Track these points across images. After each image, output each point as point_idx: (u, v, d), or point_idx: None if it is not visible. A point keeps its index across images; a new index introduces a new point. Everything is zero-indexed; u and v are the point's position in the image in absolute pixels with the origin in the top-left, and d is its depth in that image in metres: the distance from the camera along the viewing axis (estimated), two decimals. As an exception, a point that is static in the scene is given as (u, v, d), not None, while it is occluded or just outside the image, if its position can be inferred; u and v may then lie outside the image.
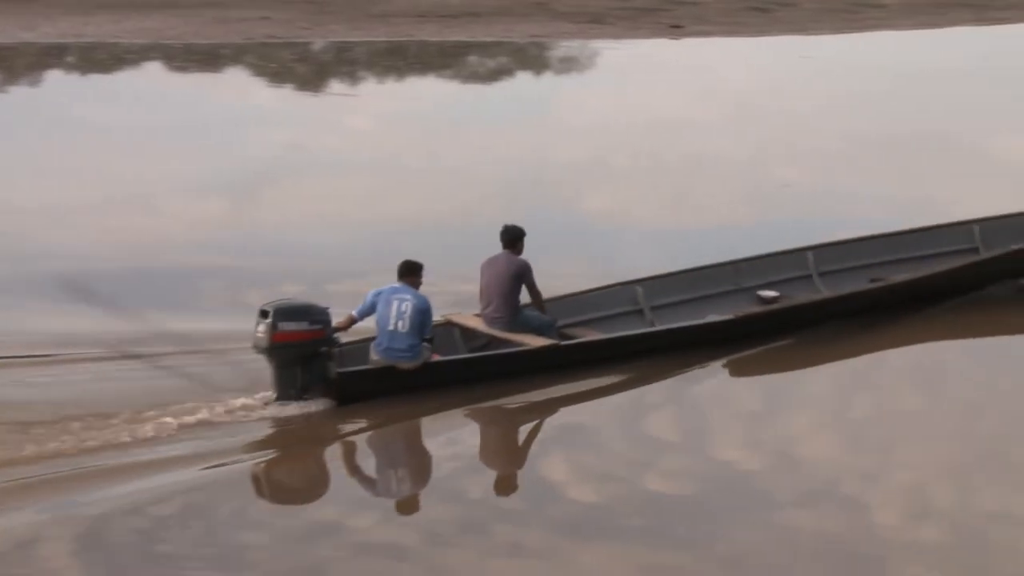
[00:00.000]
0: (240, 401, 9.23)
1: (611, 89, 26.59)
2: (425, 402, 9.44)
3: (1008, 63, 28.48)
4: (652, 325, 10.91)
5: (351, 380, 9.42)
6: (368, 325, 9.71)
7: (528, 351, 9.95)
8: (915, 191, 16.64)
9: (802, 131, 21.37)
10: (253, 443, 8.74)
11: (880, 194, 16.25)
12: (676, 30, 33.03)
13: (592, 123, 22.56)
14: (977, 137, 20.45)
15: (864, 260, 12.04)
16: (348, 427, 9.21)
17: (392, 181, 17.86)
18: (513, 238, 10.32)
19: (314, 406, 9.27)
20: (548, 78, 28.88)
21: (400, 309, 9.42)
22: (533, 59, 31.44)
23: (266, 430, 8.97)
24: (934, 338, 11.11)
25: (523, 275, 10.20)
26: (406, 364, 9.47)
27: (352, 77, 29.15)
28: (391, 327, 9.43)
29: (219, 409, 9.05)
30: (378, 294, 9.57)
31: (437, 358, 9.71)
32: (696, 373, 10.12)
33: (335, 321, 9.49)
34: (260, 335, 9.13)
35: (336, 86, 27.88)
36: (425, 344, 9.55)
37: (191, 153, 19.48)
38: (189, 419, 8.85)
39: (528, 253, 10.26)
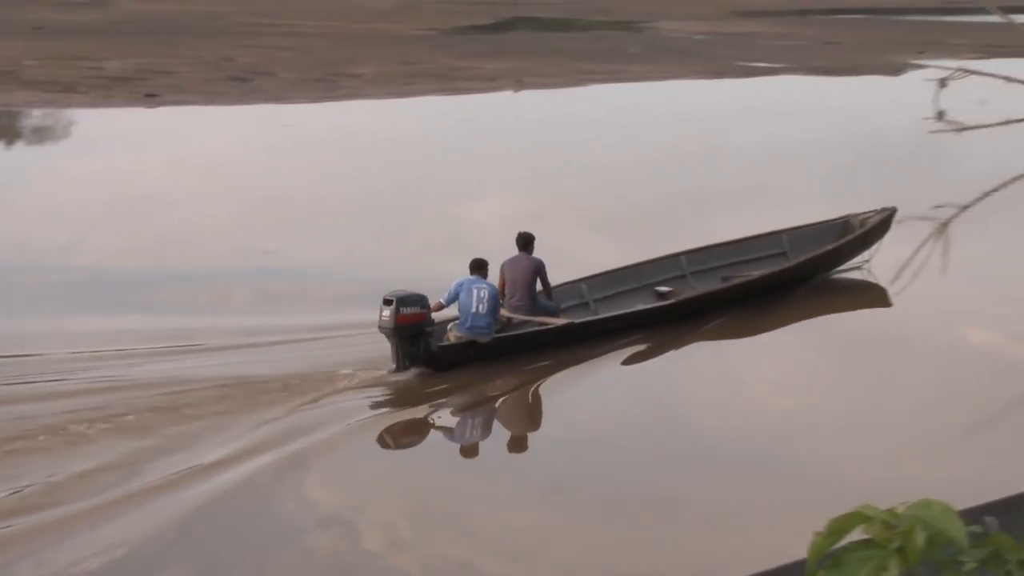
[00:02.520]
0: (374, 374, 11.86)
1: (77, 161, 25.54)
2: (492, 372, 12.18)
3: (473, 129, 30.12)
4: (596, 314, 13.64)
5: (448, 352, 12.18)
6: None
7: (554, 328, 12.77)
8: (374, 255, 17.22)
9: (285, 197, 21.47)
10: (392, 399, 11.62)
11: (346, 257, 16.80)
12: (151, 99, 32.39)
13: (43, 198, 21.47)
14: (437, 198, 21.43)
15: (717, 262, 15.29)
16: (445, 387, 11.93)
17: None
18: (527, 241, 13.10)
19: (422, 373, 11.94)
20: (19, 149, 27.51)
21: (480, 296, 12.21)
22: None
23: (398, 389, 11.78)
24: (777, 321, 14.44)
25: (539, 270, 12.97)
26: (484, 338, 12.25)
27: None
28: (474, 309, 12.19)
29: (364, 376, 11.79)
30: (460, 284, 12.33)
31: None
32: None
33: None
34: (386, 318, 11.66)
35: None
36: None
37: None
38: (359, 380, 11.72)
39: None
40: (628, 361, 12.91)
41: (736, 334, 14.04)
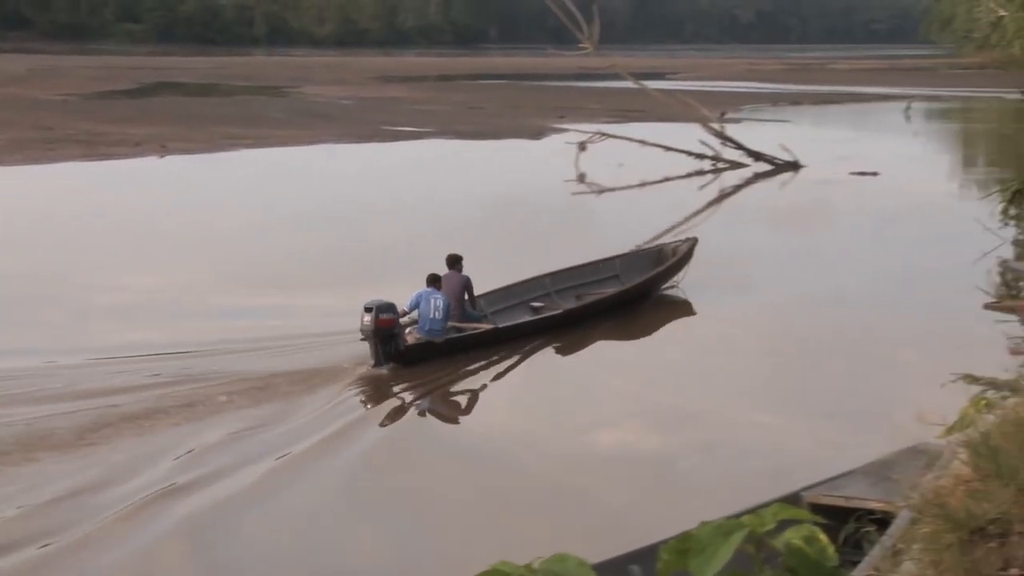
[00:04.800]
0: (361, 368, 14.24)
1: None
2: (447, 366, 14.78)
3: (110, 192, 28.98)
4: (495, 323, 16.07)
5: (414, 350, 14.70)
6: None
7: (485, 332, 15.56)
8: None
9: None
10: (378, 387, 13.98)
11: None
12: None
13: None
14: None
15: (571, 282, 17.93)
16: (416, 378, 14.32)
17: None
18: (456, 260, 15.79)
19: (393, 368, 14.34)
20: None
21: (436, 305, 14.93)
22: None
23: (380, 381, 14.15)
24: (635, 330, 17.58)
25: (468, 286, 15.76)
26: (439, 339, 14.94)
27: None
28: (431, 316, 14.90)
29: (357, 371, 14.23)
30: (419, 295, 14.98)
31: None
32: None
33: None
34: (367, 323, 14.02)
35: None
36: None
37: None
38: (356, 374, 14.20)
39: None
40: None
41: (624, 336, 17.18)
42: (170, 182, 32.17)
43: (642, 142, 35.96)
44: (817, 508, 8.65)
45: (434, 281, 15.19)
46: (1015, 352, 14.96)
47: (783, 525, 4.00)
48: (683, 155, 35.32)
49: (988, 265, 19.89)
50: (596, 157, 34.99)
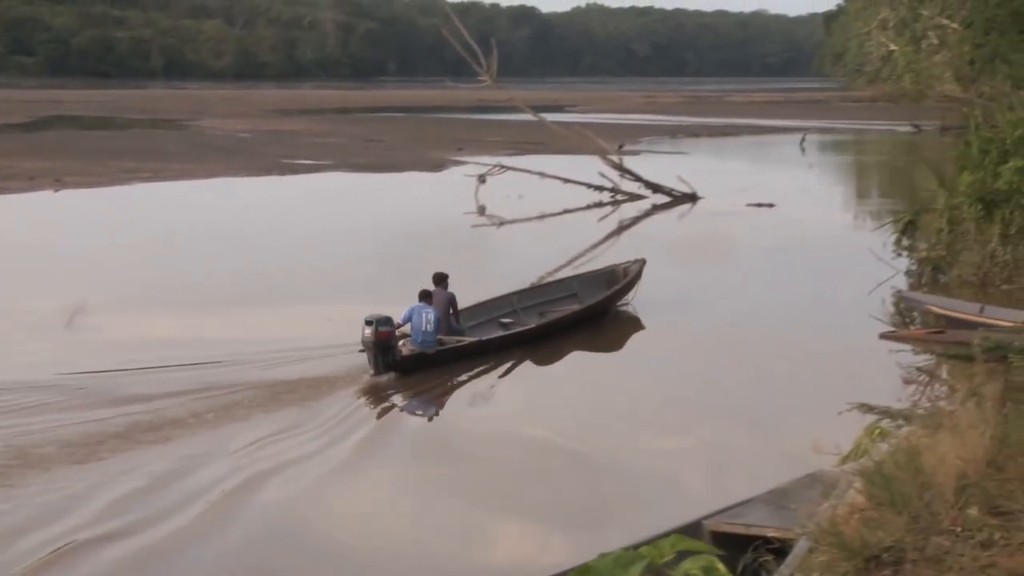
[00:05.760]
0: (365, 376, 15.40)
1: None
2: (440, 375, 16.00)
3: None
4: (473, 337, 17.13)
5: (410, 360, 15.80)
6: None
7: (471, 344, 16.64)
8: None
9: None
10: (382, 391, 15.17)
11: None
12: None
13: None
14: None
15: (535, 300, 19.29)
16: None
17: None
18: (442, 278, 16.97)
19: (392, 376, 15.52)
20: None
21: (427, 318, 16.07)
22: None
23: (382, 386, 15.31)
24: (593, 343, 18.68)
25: (452, 302, 16.92)
26: (431, 351, 16.04)
27: None
28: (423, 328, 16.01)
29: (362, 379, 15.36)
30: (411, 310, 16.11)
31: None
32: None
33: None
34: (368, 335, 15.19)
35: None
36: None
37: None
38: (361, 383, 15.26)
39: None
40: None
41: (603, 348, 18.55)
42: (64, 215, 31.60)
43: (541, 174, 36.12)
44: (717, 536, 8.69)
45: (425, 296, 16.47)
46: (908, 381, 15.23)
47: (682, 555, 3.98)
48: (582, 187, 35.51)
49: (883, 295, 20.24)
50: (496, 189, 35.06)
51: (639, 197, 35.93)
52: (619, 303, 20.14)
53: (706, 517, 8.99)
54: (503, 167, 36.83)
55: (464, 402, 15.54)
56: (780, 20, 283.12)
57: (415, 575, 10.04)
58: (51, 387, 14.54)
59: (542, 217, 32.27)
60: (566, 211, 33.30)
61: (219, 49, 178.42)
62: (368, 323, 15.24)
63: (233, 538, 10.49)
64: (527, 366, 16.85)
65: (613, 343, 18.87)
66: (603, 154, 37.95)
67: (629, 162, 38.09)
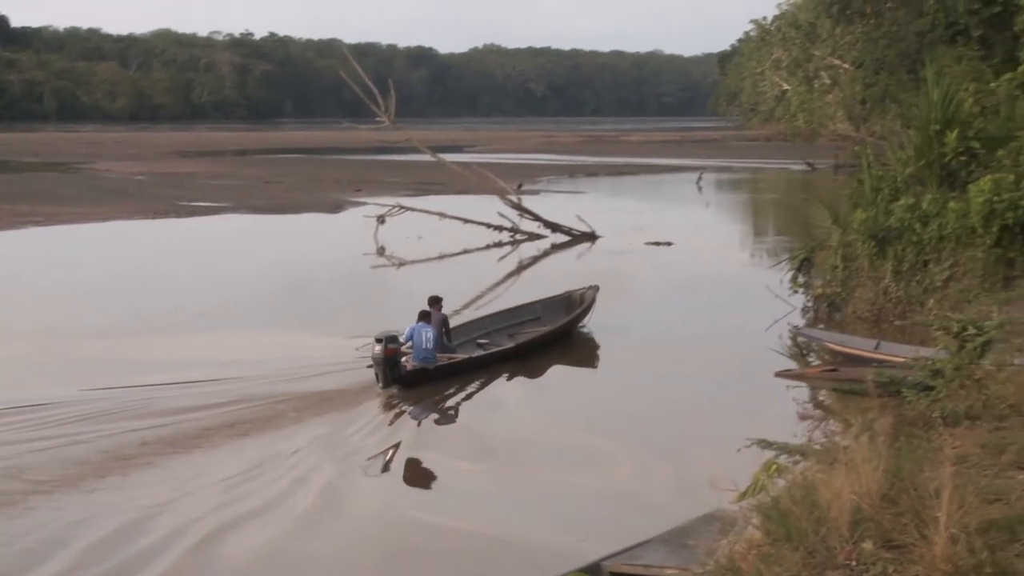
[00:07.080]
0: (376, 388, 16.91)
1: None
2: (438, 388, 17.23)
3: None
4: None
5: (414, 375, 17.22)
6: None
7: (463, 360, 18.15)
8: None
9: None
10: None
11: None
12: None
13: None
14: None
15: (505, 323, 20.75)
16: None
17: None
18: (436, 300, 18.45)
19: (396, 389, 17.00)
20: None
21: (427, 336, 17.58)
22: None
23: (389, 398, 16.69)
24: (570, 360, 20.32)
25: (445, 322, 18.43)
26: (431, 366, 17.47)
27: None
28: (424, 346, 17.52)
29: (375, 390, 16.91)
30: (413, 329, 17.57)
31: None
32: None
33: None
34: (378, 352, 16.66)
35: None
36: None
37: None
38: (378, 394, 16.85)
39: None
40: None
41: (586, 362, 20.19)
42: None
43: (441, 215, 36.10)
44: (617, 577, 8.67)
45: (425, 316, 18.00)
46: (805, 416, 15.39)
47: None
48: (482, 227, 35.56)
49: (780, 331, 20.46)
50: (395, 230, 34.98)
51: (539, 236, 36.06)
52: (579, 325, 21.40)
53: (605, 558, 8.96)
54: (402, 207, 36.76)
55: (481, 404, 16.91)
56: (676, 60, 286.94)
57: None
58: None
59: (442, 257, 32.22)
60: (466, 251, 33.30)
61: (114, 91, 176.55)
62: (378, 341, 16.76)
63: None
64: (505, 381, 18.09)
65: (533, 371, 18.83)
66: (502, 194, 38.07)
67: (528, 202, 38.27)
